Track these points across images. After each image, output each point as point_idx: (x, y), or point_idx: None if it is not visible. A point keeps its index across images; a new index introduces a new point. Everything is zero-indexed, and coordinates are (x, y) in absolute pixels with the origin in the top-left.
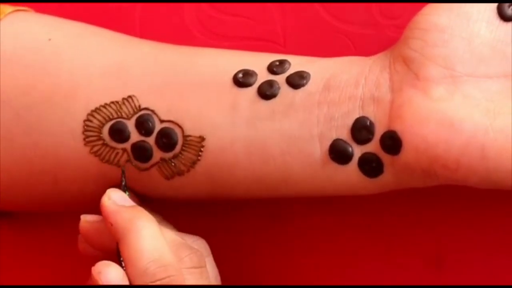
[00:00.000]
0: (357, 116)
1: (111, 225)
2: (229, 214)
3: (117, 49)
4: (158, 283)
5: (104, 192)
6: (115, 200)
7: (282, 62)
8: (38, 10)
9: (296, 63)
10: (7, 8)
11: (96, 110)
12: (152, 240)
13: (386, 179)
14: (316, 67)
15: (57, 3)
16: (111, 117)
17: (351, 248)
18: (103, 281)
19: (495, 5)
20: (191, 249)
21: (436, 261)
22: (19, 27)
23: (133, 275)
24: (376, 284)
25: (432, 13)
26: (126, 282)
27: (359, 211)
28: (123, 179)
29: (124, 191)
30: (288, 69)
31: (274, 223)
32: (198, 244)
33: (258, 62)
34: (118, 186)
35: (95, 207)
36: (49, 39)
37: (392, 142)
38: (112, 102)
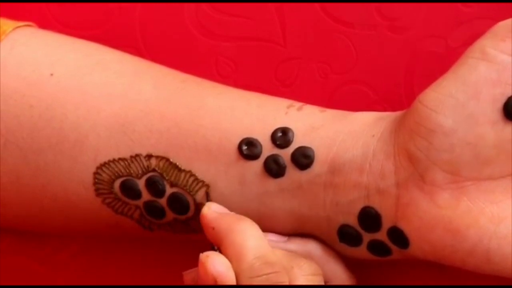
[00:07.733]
0: (362, 205)
1: (213, 229)
2: None
3: (119, 95)
4: (264, 277)
5: (118, 233)
6: (215, 209)
7: (285, 132)
8: (38, 10)
9: (300, 131)
10: (7, 25)
11: (105, 164)
12: (256, 240)
13: (395, 258)
14: (319, 140)
15: (58, 3)
16: (120, 174)
17: None
18: (209, 264)
19: (501, 104)
20: (307, 260)
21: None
22: (20, 54)
23: (238, 270)
24: (376, 284)
25: (438, 111)
26: (232, 272)
27: None
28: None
29: None
30: (291, 141)
31: None
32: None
33: (261, 129)
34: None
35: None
36: (51, 74)
37: (399, 238)
38: (120, 159)
